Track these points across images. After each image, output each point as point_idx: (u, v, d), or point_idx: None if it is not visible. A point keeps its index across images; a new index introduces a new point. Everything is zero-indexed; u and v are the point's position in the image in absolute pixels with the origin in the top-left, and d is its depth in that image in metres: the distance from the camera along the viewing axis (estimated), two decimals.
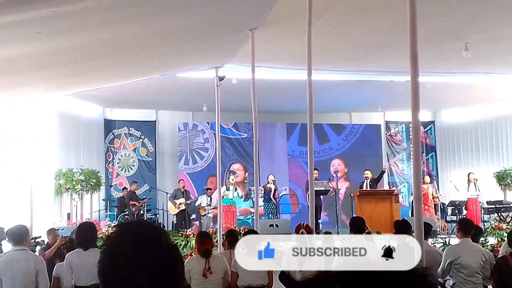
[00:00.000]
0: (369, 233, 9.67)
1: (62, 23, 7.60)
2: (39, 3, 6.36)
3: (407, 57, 5.90)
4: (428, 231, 8.09)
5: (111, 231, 1.62)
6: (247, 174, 19.62)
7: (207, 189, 17.47)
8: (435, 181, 17.79)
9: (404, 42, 5.96)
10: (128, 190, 17.82)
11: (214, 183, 18.56)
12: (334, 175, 18.03)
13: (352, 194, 16.21)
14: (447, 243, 12.60)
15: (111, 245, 1.53)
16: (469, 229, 7.77)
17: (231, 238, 8.47)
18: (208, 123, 20.00)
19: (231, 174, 17.96)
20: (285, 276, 7.53)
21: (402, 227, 8.05)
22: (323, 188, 15.95)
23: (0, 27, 6.90)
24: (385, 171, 18.61)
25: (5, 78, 10.40)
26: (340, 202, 18.02)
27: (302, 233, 7.27)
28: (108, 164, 19.53)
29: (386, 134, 21.61)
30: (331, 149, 20.79)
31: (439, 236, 14.40)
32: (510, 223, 15.42)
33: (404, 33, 5.96)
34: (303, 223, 7.89)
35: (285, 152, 20.52)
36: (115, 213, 17.46)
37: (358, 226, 8.21)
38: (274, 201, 16.91)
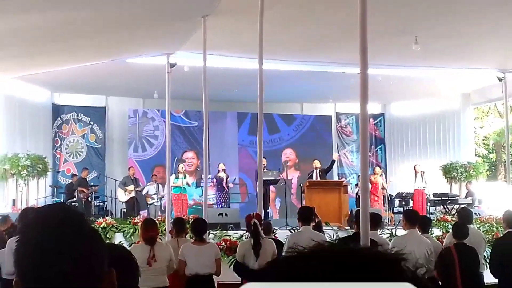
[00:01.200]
0: (319, 222, 9.76)
1: (8, 3, 7.39)
2: None
3: (358, 49, 5.94)
4: (378, 221, 8.18)
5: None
6: (199, 162, 19.58)
7: (152, 175, 17.41)
8: (383, 173, 18.03)
9: (355, 35, 5.99)
10: (78, 176, 17.54)
11: (161, 173, 18.44)
12: (284, 165, 18.11)
13: (301, 184, 16.29)
14: (394, 234, 12.80)
15: (26, 232, 1.46)
16: (414, 219, 7.89)
17: (179, 226, 8.43)
18: (158, 111, 19.81)
19: (180, 162, 17.85)
20: (239, 265, 7.53)
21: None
22: (272, 178, 15.99)
23: None
24: (335, 161, 18.78)
25: None
26: (292, 192, 18.11)
27: (254, 223, 7.27)
28: (56, 149, 19.17)
29: (337, 125, 21.79)
30: (281, 139, 20.88)
31: (386, 227, 14.61)
32: (455, 215, 15.75)
33: (355, 25, 5.99)
34: (253, 213, 7.90)
35: (235, 141, 20.51)
36: (62, 200, 17.17)
37: (306, 216, 8.24)
38: (227, 189, 16.90)
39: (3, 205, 15.02)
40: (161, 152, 19.17)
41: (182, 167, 16.77)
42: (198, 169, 19.13)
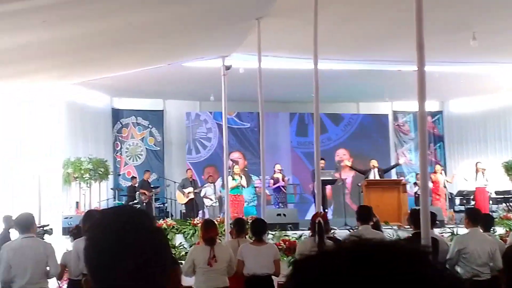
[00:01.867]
0: (377, 221, 9.67)
1: (68, 12, 7.59)
2: None
3: (415, 46, 5.87)
4: (433, 220, 8.05)
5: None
6: (246, 162, 19.64)
7: (209, 176, 17.56)
8: (443, 171, 17.73)
9: (411, 31, 5.93)
10: (139, 179, 17.86)
11: (210, 173, 18.60)
12: (338, 165, 18.02)
13: (360, 184, 16.19)
14: (455, 233, 12.59)
15: (94, 232, 1.52)
16: (477, 218, 7.74)
17: (239, 227, 8.48)
18: (211, 113, 19.99)
19: (234, 163, 17.93)
20: None
21: (416, 216, 7.91)
22: (330, 178, 15.91)
23: (6, 16, 6.90)
24: (400, 165, 18.70)
25: (12, 67, 10.42)
26: (347, 192, 18.00)
27: (319, 222, 7.26)
28: (116, 153, 19.57)
29: (394, 124, 21.55)
30: (329, 139, 20.61)
31: (447, 226, 14.39)
32: None
33: (411, 22, 5.93)
34: (320, 212, 7.88)
35: (287, 142, 20.47)
36: (123, 202, 17.50)
37: (365, 215, 8.19)
38: (284, 190, 16.90)
39: (67, 208, 15.42)
40: (214, 154, 19.48)
41: (237, 169, 16.78)
42: (246, 169, 19.21)
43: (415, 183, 17.54)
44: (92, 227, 1.55)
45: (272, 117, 20.00)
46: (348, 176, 19.39)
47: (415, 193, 16.99)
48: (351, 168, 17.17)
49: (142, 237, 1.49)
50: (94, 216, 7.01)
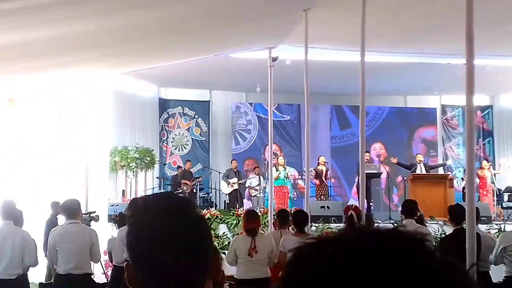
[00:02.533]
0: (421, 215, 9.58)
1: (119, 1, 7.69)
2: None
3: (464, 39, 5.76)
4: (477, 216, 7.91)
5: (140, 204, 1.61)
6: (283, 155, 19.58)
7: (255, 167, 17.57)
8: (491, 167, 17.38)
9: (461, 24, 5.82)
10: (182, 168, 18.02)
11: (249, 165, 18.61)
12: (377, 158, 17.81)
13: (405, 178, 16.02)
14: (503, 229, 12.36)
15: (137, 218, 1.53)
16: None
17: (282, 218, 8.48)
18: (251, 104, 19.97)
19: (274, 155, 17.90)
20: None
21: (456, 212, 7.82)
22: (375, 171, 15.76)
23: (57, 6, 7.02)
24: (446, 164, 18.44)
25: (61, 57, 10.61)
26: (382, 187, 17.84)
27: (350, 214, 7.22)
28: (162, 142, 19.78)
29: (442, 118, 21.24)
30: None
31: (494, 222, 14.13)
32: None
33: (461, 14, 5.82)
34: (352, 205, 7.85)
35: (327, 135, 20.33)
36: (168, 191, 17.67)
37: (409, 209, 8.11)
38: (326, 183, 16.80)
39: (114, 196, 15.67)
40: (254, 146, 19.55)
41: (281, 160, 16.70)
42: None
43: (462, 179, 17.25)
44: (134, 213, 1.56)
45: (312, 109, 19.87)
46: (383, 170, 19.19)
47: (463, 188, 16.70)
48: (397, 164, 16.94)
49: (184, 224, 1.49)
50: (138, 204, 7.09)
